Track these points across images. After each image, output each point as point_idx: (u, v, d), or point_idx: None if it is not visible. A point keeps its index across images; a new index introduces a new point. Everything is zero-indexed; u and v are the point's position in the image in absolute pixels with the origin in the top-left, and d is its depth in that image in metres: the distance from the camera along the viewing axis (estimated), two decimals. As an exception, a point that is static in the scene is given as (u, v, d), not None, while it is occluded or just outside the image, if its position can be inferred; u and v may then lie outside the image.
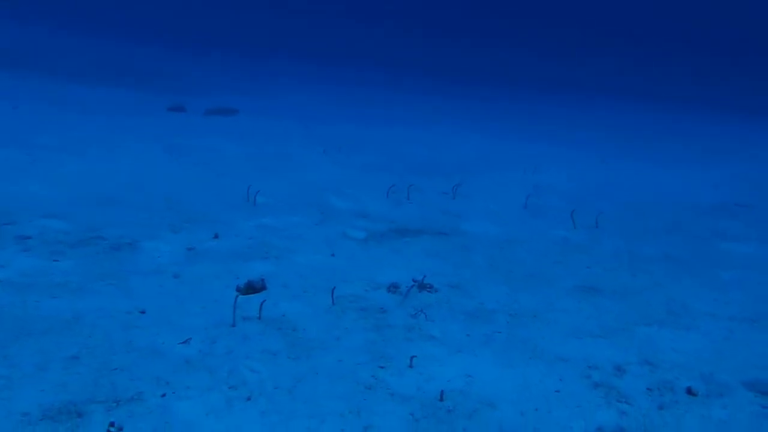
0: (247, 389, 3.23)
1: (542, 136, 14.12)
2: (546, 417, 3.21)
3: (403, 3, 46.09)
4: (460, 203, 7.39)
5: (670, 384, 3.59)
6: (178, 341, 3.63)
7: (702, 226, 7.23)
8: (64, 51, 19.84)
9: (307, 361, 3.56)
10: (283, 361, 3.54)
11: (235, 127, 11.63)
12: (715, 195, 9.12)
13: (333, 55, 29.15)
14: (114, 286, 4.28)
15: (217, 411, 3.04)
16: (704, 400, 3.46)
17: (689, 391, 3.51)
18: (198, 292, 4.33)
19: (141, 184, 6.89)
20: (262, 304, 4.05)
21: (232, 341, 3.70)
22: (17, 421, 2.82)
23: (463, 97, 21.13)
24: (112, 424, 2.85)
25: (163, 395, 3.11)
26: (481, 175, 9.18)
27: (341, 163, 9.17)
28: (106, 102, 12.89)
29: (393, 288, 4.61)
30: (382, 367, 3.55)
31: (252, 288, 4.38)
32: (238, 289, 4.37)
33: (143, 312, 3.95)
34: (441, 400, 3.28)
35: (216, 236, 5.40)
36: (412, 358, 3.62)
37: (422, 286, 4.65)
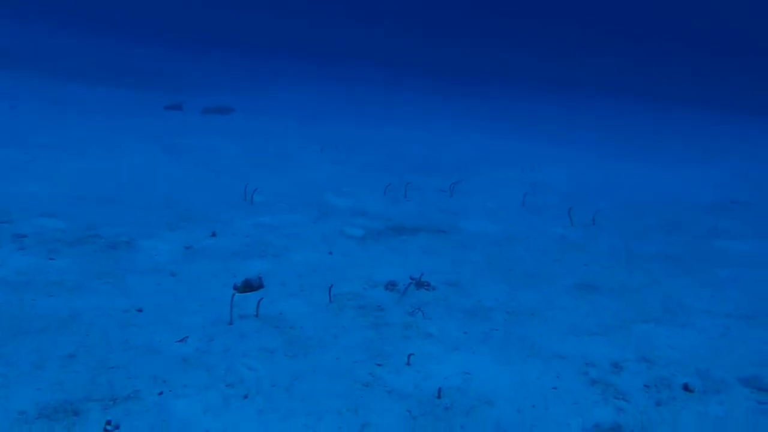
0: (244, 387, 3.23)
1: (542, 135, 14.11)
2: (543, 414, 3.21)
3: (403, 3, 46.09)
4: (458, 201, 7.39)
5: (667, 381, 3.59)
6: (175, 339, 3.63)
7: (699, 225, 7.23)
8: (64, 51, 19.84)
9: (304, 359, 3.56)
10: (280, 359, 3.54)
11: (233, 125, 11.63)
12: (713, 194, 9.11)
13: (333, 55, 29.14)
14: (111, 285, 4.28)
15: (214, 409, 3.04)
16: (701, 396, 3.46)
17: (686, 388, 3.51)
18: (195, 290, 4.33)
19: (138, 183, 6.89)
20: (259, 302, 4.05)
21: (230, 339, 3.70)
22: (14, 419, 2.82)
23: (463, 96, 21.12)
24: (108, 423, 2.85)
25: (161, 393, 3.11)
26: (479, 173, 9.18)
27: (339, 161, 9.17)
28: (105, 101, 12.89)
29: (391, 286, 4.61)
30: (379, 365, 3.55)
31: (249, 286, 4.38)
32: (236, 288, 4.37)
33: (140, 310, 3.95)
34: (438, 397, 3.28)
35: (213, 234, 5.41)
36: (409, 355, 3.62)
37: (420, 284, 4.65)
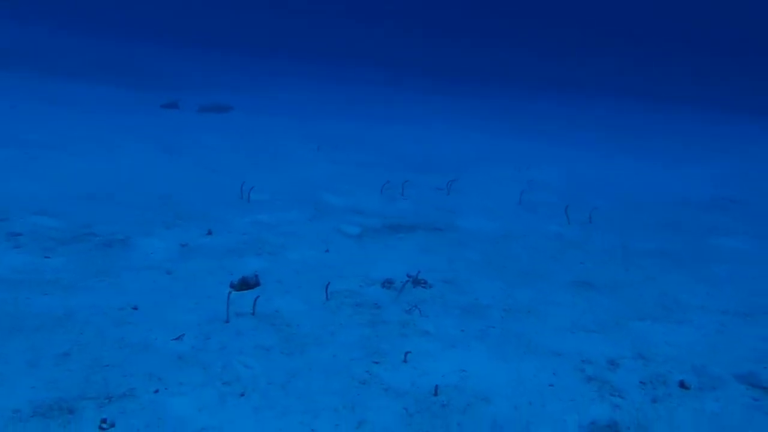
0: (240, 385, 3.23)
1: (541, 135, 14.10)
2: (540, 411, 3.20)
3: (403, 3, 46.07)
4: (455, 199, 7.38)
5: (663, 377, 3.59)
6: (171, 337, 3.63)
7: (697, 223, 7.23)
8: (63, 51, 19.84)
9: (301, 356, 3.56)
10: (276, 356, 3.53)
11: (230, 124, 11.62)
12: (711, 193, 9.11)
13: (333, 54, 29.12)
14: (106, 283, 4.27)
15: (210, 407, 3.03)
16: (697, 393, 3.46)
17: (682, 385, 3.51)
18: (191, 288, 4.33)
19: (133, 181, 6.88)
20: (255, 299, 4.04)
21: (226, 337, 3.69)
22: (8, 417, 2.82)
23: (463, 96, 21.10)
24: (104, 421, 2.84)
25: (156, 391, 3.10)
26: (477, 172, 9.17)
27: (336, 160, 9.16)
28: (104, 101, 12.88)
29: (387, 284, 4.61)
30: (376, 363, 3.54)
31: (246, 284, 4.37)
32: (232, 285, 4.36)
33: (136, 308, 3.94)
34: (435, 394, 3.27)
35: (209, 232, 5.40)
36: (406, 353, 3.61)
37: (417, 282, 4.64)
